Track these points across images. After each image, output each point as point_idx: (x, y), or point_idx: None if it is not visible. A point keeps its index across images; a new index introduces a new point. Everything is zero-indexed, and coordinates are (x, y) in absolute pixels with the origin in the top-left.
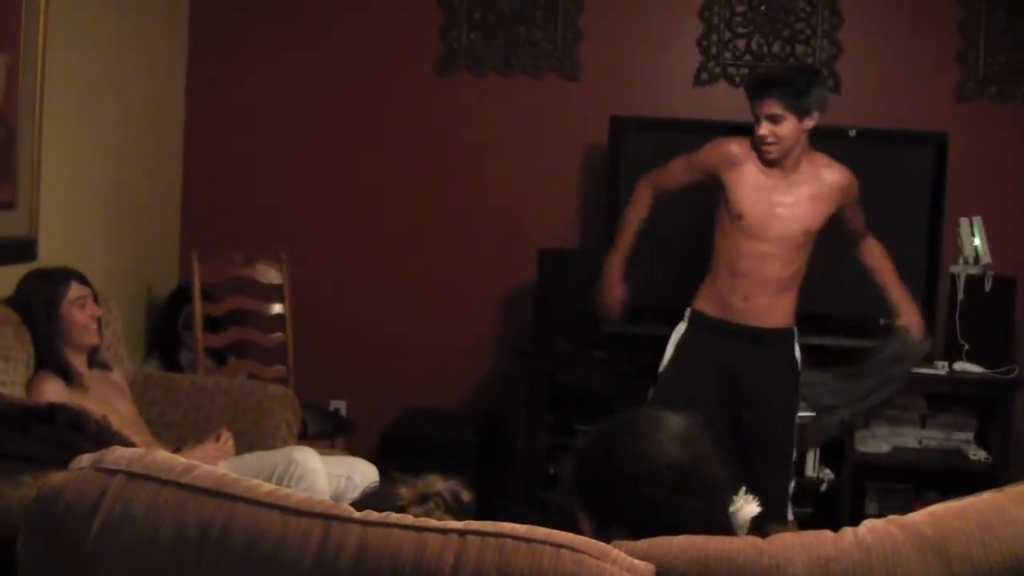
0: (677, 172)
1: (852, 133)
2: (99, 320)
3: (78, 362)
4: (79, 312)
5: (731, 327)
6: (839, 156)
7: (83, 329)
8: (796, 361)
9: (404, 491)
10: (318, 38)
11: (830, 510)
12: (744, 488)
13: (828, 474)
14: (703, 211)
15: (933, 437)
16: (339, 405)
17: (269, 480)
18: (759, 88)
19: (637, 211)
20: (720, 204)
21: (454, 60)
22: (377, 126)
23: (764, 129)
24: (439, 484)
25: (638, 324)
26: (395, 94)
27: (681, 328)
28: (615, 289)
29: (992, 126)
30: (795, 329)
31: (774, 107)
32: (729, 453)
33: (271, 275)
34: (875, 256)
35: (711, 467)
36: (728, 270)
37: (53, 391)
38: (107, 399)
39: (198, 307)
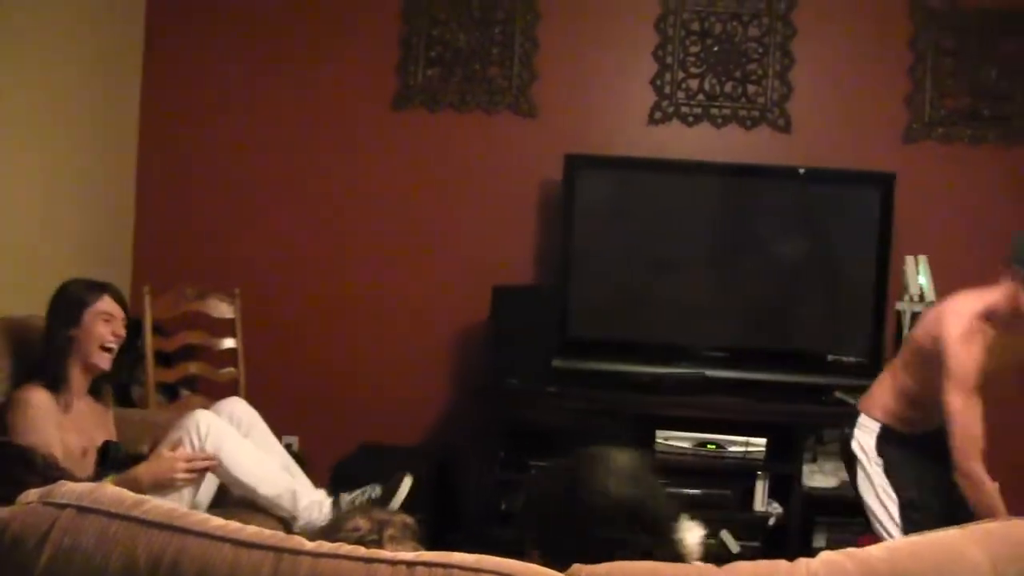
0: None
1: (802, 173)
2: (119, 347)
3: (78, 381)
4: (102, 326)
5: None
6: (788, 195)
7: (99, 347)
8: (854, 449)
9: (361, 522)
10: (274, 73)
11: (779, 544)
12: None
13: (777, 508)
14: (677, 252)
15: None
16: (291, 440)
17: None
18: None
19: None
20: None
21: (410, 96)
22: (332, 161)
23: None
24: (389, 514)
25: (592, 360)
26: (351, 129)
27: None
28: None
29: (938, 167)
30: (879, 425)
31: None
32: None
33: (223, 309)
34: None
35: (659, 501)
36: None
37: (38, 401)
38: (87, 428)
39: (149, 342)
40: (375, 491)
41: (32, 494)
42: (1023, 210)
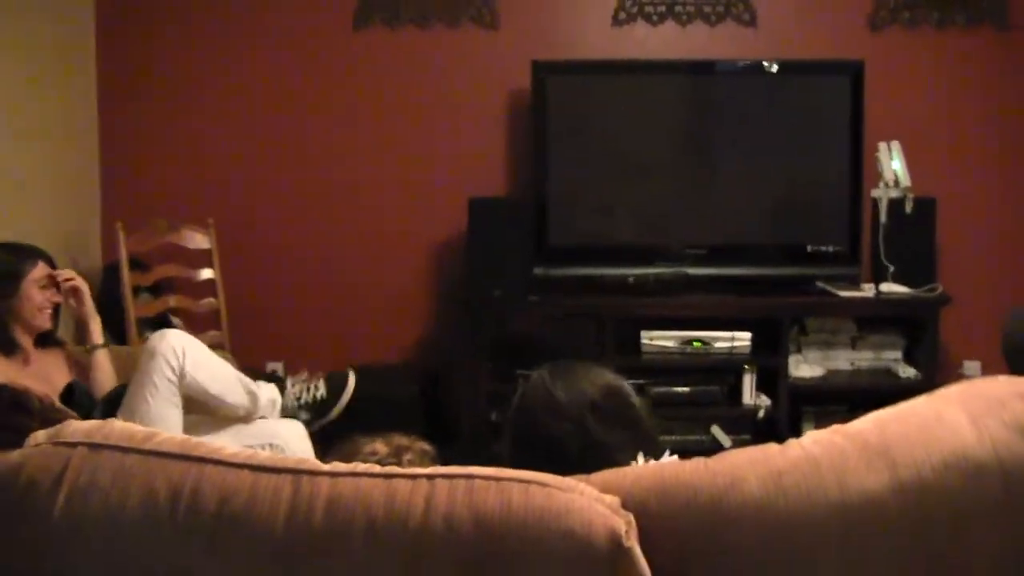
0: None
1: (773, 68)
2: (57, 307)
3: (24, 339)
4: (38, 292)
5: None
6: (757, 89)
7: (38, 310)
8: None
9: (379, 446)
10: None
11: (769, 436)
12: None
13: (765, 401)
14: (650, 152)
15: (864, 358)
16: (276, 367)
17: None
18: None
19: None
20: None
21: (370, 13)
22: (297, 83)
23: None
24: (408, 440)
25: (572, 266)
26: (313, 50)
27: None
28: None
29: (906, 52)
30: None
31: None
32: None
33: (199, 240)
34: None
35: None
36: None
37: None
38: (47, 376)
39: (126, 277)
40: (319, 388)
41: (40, 435)
42: (990, 90)
